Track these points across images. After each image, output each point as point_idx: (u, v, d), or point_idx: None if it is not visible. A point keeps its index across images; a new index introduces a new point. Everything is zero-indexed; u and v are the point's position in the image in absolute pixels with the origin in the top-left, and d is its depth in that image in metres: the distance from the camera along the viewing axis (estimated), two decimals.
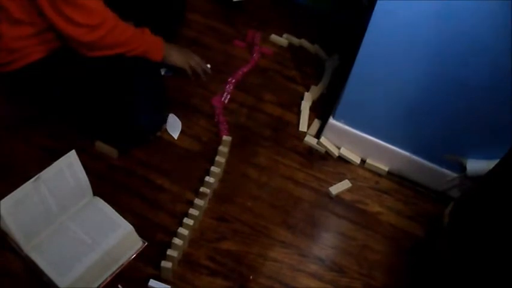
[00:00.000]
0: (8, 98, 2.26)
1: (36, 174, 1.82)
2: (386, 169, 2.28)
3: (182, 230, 1.94)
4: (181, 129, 2.28)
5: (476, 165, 2.04)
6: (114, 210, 1.95)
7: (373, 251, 2.09)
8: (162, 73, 2.41)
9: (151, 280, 1.86)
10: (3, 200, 1.77)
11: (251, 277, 1.96)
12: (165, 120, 2.27)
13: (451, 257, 1.87)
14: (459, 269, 1.78)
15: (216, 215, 2.09)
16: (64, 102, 2.12)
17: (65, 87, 2.06)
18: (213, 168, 2.12)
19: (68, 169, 1.91)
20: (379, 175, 2.29)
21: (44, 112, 2.22)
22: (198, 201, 2.03)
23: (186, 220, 1.96)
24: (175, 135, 2.26)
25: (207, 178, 2.09)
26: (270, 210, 2.13)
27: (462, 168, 2.10)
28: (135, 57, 2.11)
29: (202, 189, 2.07)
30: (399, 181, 2.28)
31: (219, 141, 2.25)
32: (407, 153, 2.19)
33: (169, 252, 1.88)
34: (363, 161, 2.30)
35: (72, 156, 1.91)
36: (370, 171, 2.30)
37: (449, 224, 2.00)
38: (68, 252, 1.84)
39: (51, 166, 1.87)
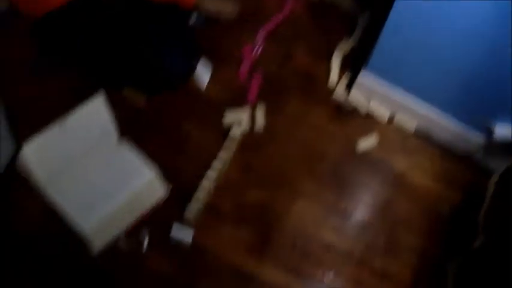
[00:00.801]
0: (34, 42, 2.25)
1: (62, 118, 1.82)
2: (414, 127, 2.25)
3: (208, 175, 1.94)
4: (211, 78, 2.26)
5: (504, 130, 2.01)
6: (139, 154, 1.95)
7: (397, 208, 2.08)
8: (194, 21, 2.38)
9: (174, 224, 1.87)
10: (28, 143, 1.78)
11: (275, 227, 1.96)
12: (194, 68, 2.24)
13: (491, 225, 1.86)
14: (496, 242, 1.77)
15: (243, 162, 2.08)
16: (91, 49, 2.10)
17: (91, 33, 2.04)
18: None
19: (95, 112, 1.90)
20: (407, 133, 2.26)
21: (73, 56, 2.20)
22: (225, 148, 2.03)
23: (212, 166, 1.96)
24: (205, 83, 2.24)
25: (235, 127, 2.09)
26: (296, 161, 2.12)
27: (490, 132, 2.07)
28: (166, 3, 2.08)
29: (231, 133, 2.08)
30: (426, 139, 2.26)
31: (247, 90, 2.25)
32: (436, 112, 2.16)
33: (194, 197, 1.89)
34: (392, 117, 2.27)
35: (99, 100, 1.91)
36: (398, 127, 2.27)
37: (494, 194, 1.98)
38: (91, 196, 1.85)
39: (78, 108, 1.87)
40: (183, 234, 1.87)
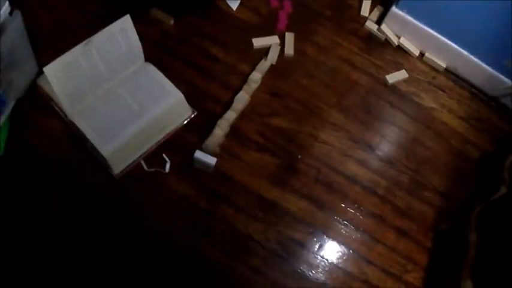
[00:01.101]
0: None
1: (83, 40, 1.78)
2: (444, 65, 2.22)
3: (235, 101, 1.92)
4: (241, 1, 2.21)
5: None
6: (165, 77, 1.91)
7: (423, 146, 2.06)
8: None
9: (197, 151, 1.83)
10: (50, 64, 1.71)
11: (299, 156, 1.94)
12: None
13: None
14: None
15: (270, 89, 2.05)
16: None
17: None
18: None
19: (121, 34, 1.85)
20: (436, 70, 2.23)
21: None
22: (255, 72, 2.01)
23: (239, 92, 1.94)
24: (235, 6, 2.19)
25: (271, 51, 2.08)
26: (324, 91, 2.09)
27: None
28: None
29: (268, 56, 2.07)
30: (455, 79, 2.22)
31: (277, 16, 2.21)
32: (467, 53, 2.13)
33: (219, 123, 1.86)
34: (422, 54, 2.24)
35: (126, 21, 1.85)
36: (427, 65, 2.23)
37: None
38: (114, 118, 1.81)
39: (103, 30, 1.82)
40: (206, 157, 1.83)
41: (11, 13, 1.71)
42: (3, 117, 1.80)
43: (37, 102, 1.89)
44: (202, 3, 2.14)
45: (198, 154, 1.82)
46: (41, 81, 1.88)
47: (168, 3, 2.11)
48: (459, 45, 2.13)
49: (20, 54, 1.83)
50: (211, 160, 1.82)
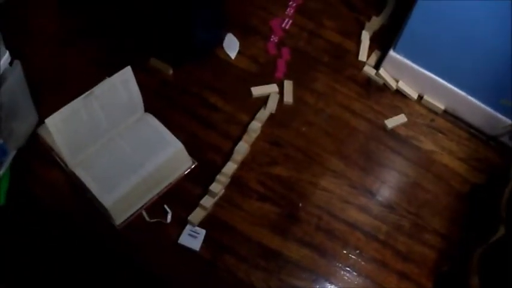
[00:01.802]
0: (59, 10, 2.24)
1: (88, 89, 1.80)
2: (443, 107, 2.22)
3: (235, 150, 1.95)
4: (239, 50, 2.23)
5: None
6: (165, 128, 1.93)
7: (424, 189, 2.06)
8: None
9: (182, 236, 1.84)
10: (51, 116, 1.74)
11: (300, 205, 1.95)
12: (222, 37, 2.22)
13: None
14: None
15: (269, 138, 2.06)
16: (119, 15, 2.07)
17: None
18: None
19: (122, 85, 1.87)
20: (435, 113, 2.23)
21: (98, 25, 2.18)
22: (255, 121, 2.03)
23: (240, 141, 1.97)
24: (233, 55, 2.21)
25: (270, 100, 2.10)
26: (324, 138, 2.10)
27: None
28: None
29: (267, 106, 2.09)
30: (454, 121, 2.22)
31: (275, 64, 2.22)
32: (464, 94, 2.13)
33: (220, 173, 1.89)
34: (420, 97, 2.24)
35: (127, 73, 1.87)
36: (426, 107, 2.24)
37: None
38: (114, 169, 1.83)
39: (104, 81, 1.85)
40: (191, 243, 1.84)
41: (11, 63, 1.74)
42: (4, 167, 1.81)
43: (38, 152, 1.91)
44: (201, 52, 2.15)
45: (183, 240, 1.84)
46: (41, 131, 1.90)
47: (167, 52, 2.13)
48: (457, 87, 2.13)
49: (20, 104, 1.85)
50: (195, 246, 1.83)
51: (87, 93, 1.80)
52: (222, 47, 2.22)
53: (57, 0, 2.24)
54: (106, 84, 1.84)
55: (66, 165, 1.85)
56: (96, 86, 1.81)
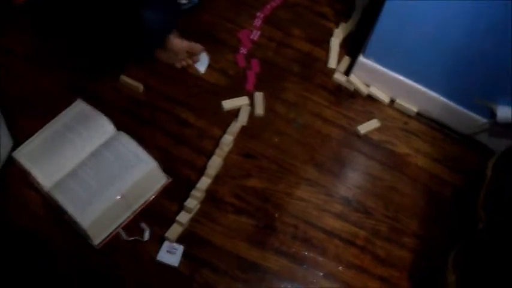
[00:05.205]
0: (28, 31, 2.24)
1: (60, 110, 1.81)
2: (415, 110, 2.23)
3: (209, 165, 1.96)
4: (208, 63, 2.23)
5: (507, 112, 1.99)
6: (138, 145, 1.93)
7: (400, 193, 2.07)
8: (184, 1, 2.31)
9: (159, 253, 1.85)
10: (18, 149, 1.85)
11: (276, 215, 1.95)
12: (175, 25, 2.16)
13: (491, 209, 1.84)
14: (498, 222, 1.76)
15: (242, 151, 2.07)
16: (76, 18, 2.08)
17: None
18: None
19: (81, 114, 1.93)
20: (408, 116, 2.24)
21: (69, 44, 2.19)
22: (227, 135, 2.05)
23: (213, 155, 1.99)
24: (203, 69, 2.21)
25: (241, 113, 2.12)
26: (297, 147, 2.10)
27: (492, 114, 2.05)
28: None
29: (238, 119, 2.10)
30: (427, 122, 2.24)
31: (245, 76, 2.23)
32: (437, 95, 2.14)
33: (195, 188, 1.90)
34: (392, 101, 2.25)
35: (79, 105, 2.00)
36: (399, 111, 2.25)
37: (492, 177, 1.96)
38: (90, 189, 1.83)
39: (73, 104, 1.90)
40: (169, 259, 1.85)
41: None
42: None
43: (14, 175, 1.91)
44: (156, 40, 2.13)
45: (161, 256, 1.84)
46: (16, 155, 1.91)
47: (124, 48, 2.14)
48: (428, 88, 2.14)
49: None
50: (174, 262, 1.84)
51: (56, 117, 1.82)
52: (193, 63, 2.22)
53: (29, 20, 2.24)
54: (75, 108, 1.86)
55: (42, 187, 1.86)
56: (66, 110, 1.83)
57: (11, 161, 1.92)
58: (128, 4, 1.98)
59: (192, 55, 2.15)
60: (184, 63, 2.18)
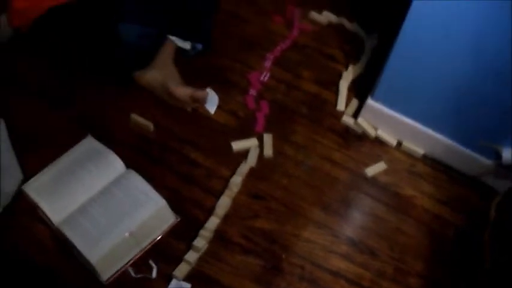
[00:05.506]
0: (32, 63, 2.28)
1: (70, 145, 1.85)
2: (422, 152, 2.25)
3: (218, 205, 1.99)
4: (218, 104, 2.24)
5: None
6: (148, 184, 1.95)
7: (406, 235, 2.08)
8: (188, 47, 2.31)
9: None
10: (28, 183, 1.88)
11: (283, 256, 1.96)
12: (158, 40, 2.18)
13: (496, 250, 1.85)
14: (503, 262, 1.77)
15: (251, 192, 2.08)
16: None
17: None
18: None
19: (91, 151, 1.95)
20: (415, 158, 2.26)
21: (79, 79, 2.24)
22: (235, 176, 2.07)
23: (222, 195, 2.01)
24: (212, 110, 2.21)
25: (251, 154, 2.14)
26: (305, 190, 2.12)
27: (497, 156, 2.07)
28: None
29: (247, 160, 2.12)
30: (433, 165, 2.25)
31: (255, 117, 2.26)
32: (443, 138, 2.16)
33: (203, 228, 1.92)
34: (399, 143, 2.27)
35: (90, 141, 2.02)
36: (405, 153, 2.27)
37: (496, 217, 1.98)
38: (100, 226, 1.85)
39: (83, 141, 1.96)
40: None
41: None
42: None
43: (24, 209, 1.93)
44: (120, 70, 2.16)
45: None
46: (26, 188, 1.93)
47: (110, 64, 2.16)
48: (435, 131, 2.16)
49: (5, 163, 1.88)
50: None
51: (66, 153, 1.85)
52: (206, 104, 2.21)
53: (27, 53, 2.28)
54: (85, 144, 1.89)
55: (51, 222, 1.88)
56: (76, 146, 1.86)
57: (20, 194, 1.94)
58: (102, 17, 2.03)
59: (196, 102, 2.15)
60: (193, 106, 2.20)
